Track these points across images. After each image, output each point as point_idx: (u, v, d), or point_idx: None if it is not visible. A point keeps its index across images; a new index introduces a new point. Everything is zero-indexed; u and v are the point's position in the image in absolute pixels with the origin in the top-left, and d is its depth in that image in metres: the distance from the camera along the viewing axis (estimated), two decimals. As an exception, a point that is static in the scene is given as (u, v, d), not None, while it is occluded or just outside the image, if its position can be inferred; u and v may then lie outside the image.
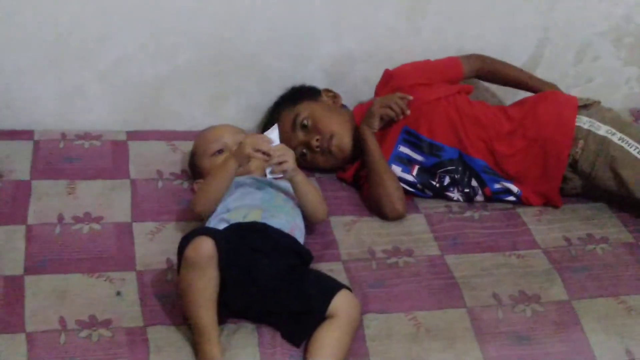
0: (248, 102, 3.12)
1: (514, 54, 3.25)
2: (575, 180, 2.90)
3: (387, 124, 2.90)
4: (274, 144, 2.54)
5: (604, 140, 2.82)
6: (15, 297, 2.39)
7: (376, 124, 2.89)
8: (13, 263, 2.49)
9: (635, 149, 2.80)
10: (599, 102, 2.95)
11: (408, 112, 2.86)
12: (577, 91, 3.31)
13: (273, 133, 2.60)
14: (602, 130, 2.83)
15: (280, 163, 2.53)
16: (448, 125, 2.87)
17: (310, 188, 2.64)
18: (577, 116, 2.87)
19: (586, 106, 2.90)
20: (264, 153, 2.50)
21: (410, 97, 2.88)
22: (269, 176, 2.60)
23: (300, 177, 2.60)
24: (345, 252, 2.68)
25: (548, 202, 2.93)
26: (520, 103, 3.00)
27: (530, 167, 2.89)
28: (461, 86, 3.02)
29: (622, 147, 2.81)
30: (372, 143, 2.88)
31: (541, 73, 3.29)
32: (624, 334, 2.48)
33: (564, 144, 2.85)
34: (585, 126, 2.85)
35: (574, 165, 2.87)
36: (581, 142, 2.84)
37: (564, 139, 2.85)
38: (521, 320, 2.50)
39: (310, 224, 2.68)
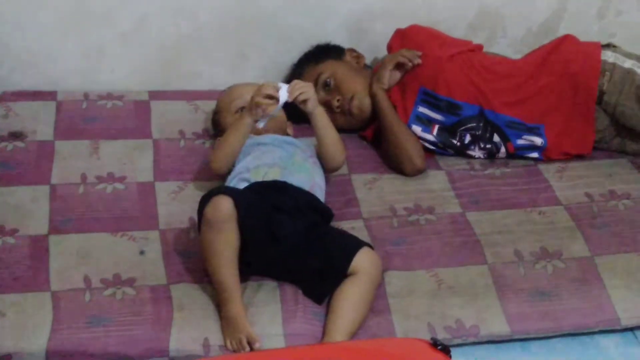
0: (269, 61, 3.11)
1: (537, 9, 3.24)
2: (600, 120, 2.89)
3: (404, 84, 2.90)
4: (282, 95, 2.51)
5: (629, 71, 2.82)
6: (40, 257, 2.42)
7: (385, 78, 2.88)
8: (37, 223, 2.52)
9: None
10: (619, 46, 2.95)
11: (417, 60, 2.86)
12: (602, 46, 3.30)
13: (282, 89, 2.55)
14: (628, 63, 2.84)
15: (301, 95, 2.50)
16: (466, 82, 2.86)
17: (330, 124, 2.63)
18: (602, 51, 2.87)
19: (608, 45, 2.92)
20: (271, 97, 2.48)
21: (419, 53, 2.87)
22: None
23: (321, 109, 2.60)
24: (367, 209, 2.69)
25: (572, 154, 2.92)
26: (538, 49, 3.00)
27: (559, 102, 2.88)
28: (473, 45, 3.00)
29: None
30: (383, 100, 2.87)
31: (564, 28, 3.26)
32: (646, 290, 2.49)
33: (592, 75, 2.84)
34: (611, 60, 2.85)
35: (600, 98, 2.86)
36: (607, 74, 2.84)
37: (591, 70, 2.85)
38: (542, 276, 2.51)
39: (328, 172, 2.69)
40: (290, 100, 2.49)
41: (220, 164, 2.59)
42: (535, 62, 2.90)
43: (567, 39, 2.95)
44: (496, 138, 2.89)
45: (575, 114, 2.88)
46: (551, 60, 2.88)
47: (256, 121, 2.52)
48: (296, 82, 2.53)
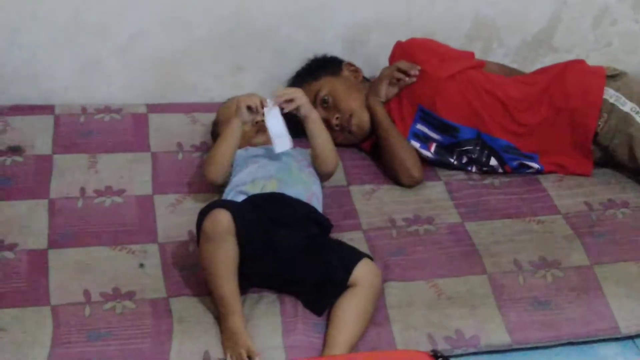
0: (265, 73, 3.11)
1: (532, 19, 3.24)
2: (594, 151, 2.88)
3: (402, 100, 2.89)
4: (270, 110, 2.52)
5: (626, 117, 2.80)
6: (40, 271, 2.41)
7: (383, 91, 2.88)
8: (36, 237, 2.51)
9: None
10: (626, 74, 2.90)
11: (415, 72, 2.84)
12: (596, 55, 3.30)
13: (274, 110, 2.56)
14: (627, 106, 2.80)
15: (291, 101, 2.52)
16: (465, 104, 2.85)
17: (324, 129, 2.63)
18: (605, 88, 2.83)
19: (614, 76, 2.86)
20: (251, 107, 2.51)
21: (418, 67, 2.86)
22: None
23: (315, 114, 2.60)
24: (366, 221, 2.69)
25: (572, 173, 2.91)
26: (543, 71, 2.96)
27: (557, 137, 2.86)
28: (474, 61, 2.98)
29: None
30: (380, 113, 2.87)
31: (560, 38, 3.28)
32: (645, 298, 2.49)
33: (591, 114, 2.82)
34: (611, 100, 2.81)
35: (595, 137, 2.84)
36: (605, 116, 2.81)
37: (591, 109, 2.82)
38: (542, 285, 2.50)
39: (323, 179, 2.68)
40: (277, 105, 2.50)
41: (214, 172, 2.58)
42: (537, 90, 2.86)
43: (573, 66, 2.91)
44: (493, 162, 2.88)
45: (572, 148, 2.87)
46: (553, 90, 2.84)
47: (244, 123, 2.54)
48: (284, 90, 2.56)
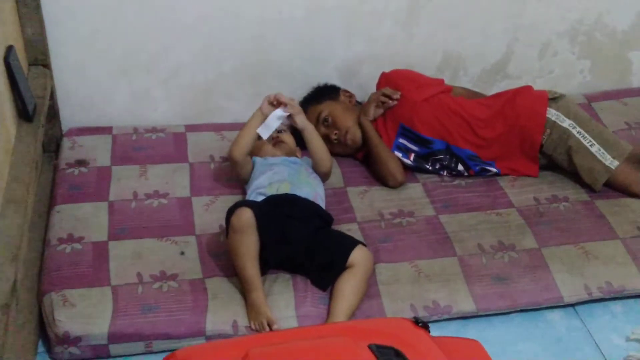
0: (279, 99, 3.12)
1: (490, 52, 3.23)
2: (540, 158, 2.87)
3: (386, 119, 2.88)
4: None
5: (565, 132, 2.78)
6: (102, 258, 2.42)
7: (371, 112, 2.87)
8: (99, 232, 2.52)
9: (588, 142, 2.76)
10: (564, 95, 2.88)
11: (397, 96, 2.84)
12: (542, 81, 3.30)
13: (280, 112, 2.59)
14: (566, 123, 2.79)
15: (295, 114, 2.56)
16: (437, 122, 2.83)
17: (318, 137, 2.64)
18: (548, 109, 2.81)
19: (555, 99, 2.84)
20: (276, 103, 2.56)
21: (399, 92, 2.85)
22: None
23: (310, 127, 2.62)
24: (360, 215, 2.68)
25: (523, 175, 2.89)
26: (499, 95, 2.93)
27: (510, 148, 2.85)
28: (444, 87, 2.97)
29: (579, 139, 2.76)
30: (370, 130, 2.86)
31: (512, 67, 3.27)
32: (582, 274, 2.48)
33: (536, 131, 2.80)
34: (553, 118, 2.80)
35: (540, 148, 2.83)
36: (548, 131, 2.80)
37: (537, 127, 2.80)
38: (500, 265, 2.50)
39: (323, 179, 2.68)
40: (284, 109, 2.55)
41: (237, 152, 2.58)
42: (494, 111, 2.84)
43: (522, 91, 2.88)
44: (460, 167, 2.87)
45: (522, 156, 2.86)
46: (506, 112, 2.82)
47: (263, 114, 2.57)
48: (293, 102, 2.59)
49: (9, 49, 2.32)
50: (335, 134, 2.87)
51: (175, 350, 1.75)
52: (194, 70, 2.99)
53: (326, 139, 2.80)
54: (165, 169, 2.82)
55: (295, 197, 2.47)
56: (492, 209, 2.73)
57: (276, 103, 2.57)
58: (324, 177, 2.70)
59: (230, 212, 2.33)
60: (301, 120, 2.60)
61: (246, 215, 2.27)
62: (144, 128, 3.01)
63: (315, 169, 2.66)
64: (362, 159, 2.94)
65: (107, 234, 2.51)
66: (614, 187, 2.79)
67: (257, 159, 2.67)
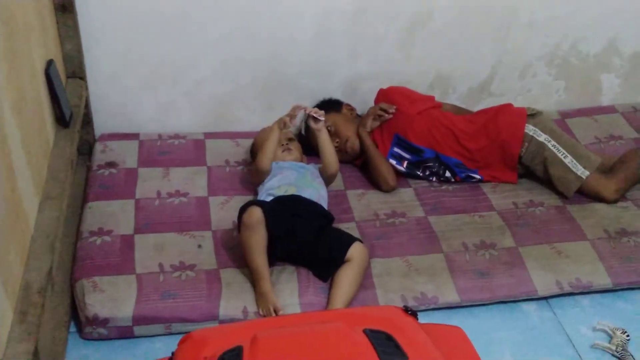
0: (287, 112, 3.10)
1: (476, 73, 3.22)
2: (519, 168, 2.86)
3: (383, 130, 2.88)
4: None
5: (541, 145, 2.78)
6: (128, 250, 2.42)
7: (369, 124, 2.87)
8: (126, 226, 2.52)
9: (562, 155, 2.76)
10: (541, 112, 2.88)
11: (392, 110, 2.84)
12: (522, 98, 3.29)
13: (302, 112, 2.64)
14: (542, 137, 2.78)
15: (316, 117, 2.57)
16: (428, 134, 2.83)
17: (330, 142, 2.63)
18: (526, 124, 2.81)
19: (533, 115, 2.84)
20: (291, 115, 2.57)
21: (394, 107, 2.86)
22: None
23: (325, 132, 2.62)
24: (358, 215, 2.68)
25: (503, 182, 2.89)
26: (482, 112, 2.92)
27: (492, 158, 2.84)
28: (434, 102, 2.97)
29: (554, 152, 2.76)
30: (367, 140, 2.86)
31: (496, 87, 3.26)
32: (555, 270, 2.48)
33: (515, 144, 2.80)
34: (530, 133, 2.79)
35: (519, 159, 2.83)
36: (526, 144, 2.80)
37: (516, 141, 2.79)
38: (482, 261, 2.50)
39: (328, 181, 2.68)
40: (308, 112, 2.58)
41: (263, 163, 2.57)
42: (478, 126, 2.84)
43: (504, 108, 2.87)
44: (447, 174, 2.86)
45: (503, 165, 2.85)
46: (489, 127, 2.82)
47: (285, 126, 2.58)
48: (322, 112, 2.60)
49: (50, 63, 2.33)
50: (337, 142, 2.88)
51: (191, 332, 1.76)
52: (214, 84, 3.00)
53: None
54: (186, 171, 2.82)
55: (301, 197, 2.48)
56: (475, 212, 2.72)
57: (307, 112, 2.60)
58: (331, 179, 2.70)
59: (242, 210, 2.33)
60: (320, 128, 2.60)
61: (256, 213, 2.28)
62: (167, 135, 3.02)
63: (324, 171, 2.66)
64: (360, 166, 2.94)
65: (133, 228, 2.51)
66: (585, 194, 2.79)
67: (272, 164, 2.67)
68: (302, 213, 2.42)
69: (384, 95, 2.95)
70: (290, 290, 2.32)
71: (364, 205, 2.74)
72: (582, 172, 2.74)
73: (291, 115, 2.57)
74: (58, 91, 2.34)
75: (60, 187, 2.14)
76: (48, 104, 2.31)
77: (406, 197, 2.80)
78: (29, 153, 1.99)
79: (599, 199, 2.77)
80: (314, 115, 2.57)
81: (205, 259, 2.41)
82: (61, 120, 2.40)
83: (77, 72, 2.73)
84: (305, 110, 2.59)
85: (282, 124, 2.56)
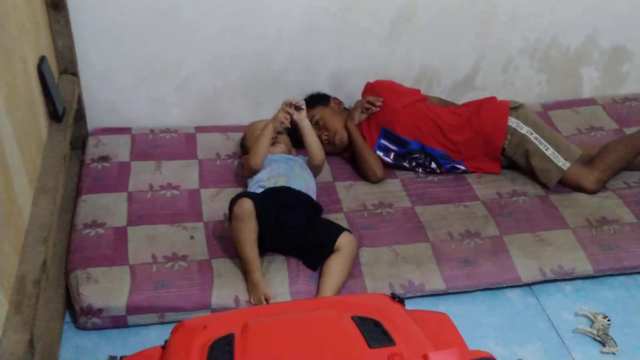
0: (275, 107, 3.02)
1: (460, 66, 3.22)
2: (502, 159, 2.86)
3: (370, 122, 2.87)
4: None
5: (523, 137, 2.78)
6: (122, 241, 2.41)
7: (357, 117, 2.86)
8: (119, 218, 2.51)
9: (544, 147, 2.76)
10: (524, 105, 2.87)
11: (379, 103, 2.84)
12: (505, 91, 3.28)
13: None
14: (524, 129, 2.78)
15: (298, 107, 2.57)
16: (414, 126, 2.83)
17: (312, 132, 2.62)
18: (509, 117, 2.81)
19: (516, 108, 2.83)
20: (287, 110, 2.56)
21: (381, 99, 2.85)
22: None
23: (308, 125, 2.60)
24: (346, 206, 2.68)
25: (487, 172, 2.89)
26: (466, 105, 2.92)
27: (476, 150, 2.84)
28: (420, 95, 2.97)
29: (536, 144, 2.76)
30: (355, 132, 2.85)
31: (479, 80, 3.26)
32: (538, 258, 2.48)
33: (499, 137, 2.79)
34: (513, 125, 2.79)
35: (502, 151, 2.83)
36: (509, 137, 2.79)
37: (499, 133, 2.79)
38: (467, 249, 2.50)
39: (315, 172, 2.67)
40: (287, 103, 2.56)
41: (256, 160, 2.54)
42: (462, 119, 2.83)
43: (487, 102, 2.87)
44: (433, 165, 2.86)
45: (486, 157, 2.85)
46: (473, 120, 2.82)
47: (282, 123, 2.57)
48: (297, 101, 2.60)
49: (42, 59, 2.31)
50: (326, 135, 2.87)
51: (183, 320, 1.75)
52: (204, 80, 2.98)
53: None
54: (177, 164, 2.81)
55: (290, 189, 2.47)
56: (460, 202, 2.72)
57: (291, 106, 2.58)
58: (317, 169, 2.69)
59: (233, 202, 2.32)
60: (302, 118, 2.59)
61: (247, 205, 2.27)
62: (159, 129, 3.00)
63: (310, 162, 2.65)
64: (349, 158, 2.93)
65: (126, 220, 2.50)
66: (566, 185, 2.79)
67: None
68: (291, 203, 2.41)
69: (371, 89, 2.95)
70: (280, 279, 2.32)
71: (352, 196, 2.73)
72: (563, 163, 2.75)
73: (286, 113, 2.55)
74: (51, 87, 2.32)
75: (54, 181, 2.13)
76: (41, 100, 2.29)
77: (393, 188, 2.79)
78: (23, 148, 1.97)
79: (579, 189, 2.77)
80: (294, 104, 2.56)
81: (197, 249, 2.41)
82: (54, 115, 2.38)
83: (69, 69, 2.71)
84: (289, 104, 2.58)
85: (278, 123, 2.55)
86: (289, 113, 2.56)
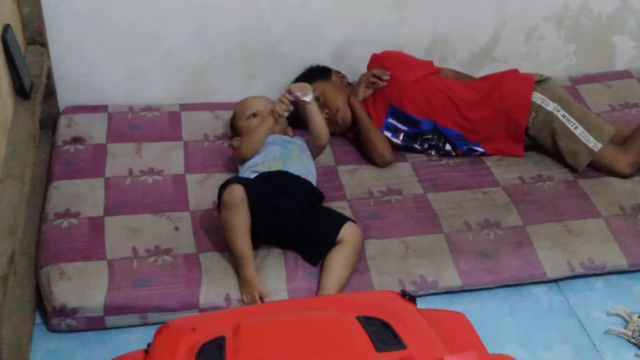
0: (271, 81, 3.07)
1: (478, 36, 3.22)
2: (525, 139, 2.86)
3: (376, 99, 2.87)
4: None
5: (550, 115, 2.77)
6: (98, 233, 2.41)
7: (361, 92, 2.86)
8: (95, 207, 2.51)
9: (572, 125, 2.75)
10: (550, 78, 2.86)
11: (386, 77, 2.83)
12: (528, 64, 3.28)
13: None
14: (550, 106, 2.77)
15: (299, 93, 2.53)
16: (425, 103, 2.82)
17: (319, 113, 2.61)
18: (533, 92, 2.80)
19: (540, 82, 2.82)
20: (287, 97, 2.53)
21: (389, 73, 2.84)
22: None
23: (314, 105, 2.58)
24: (350, 192, 2.68)
25: (508, 155, 2.89)
26: (485, 78, 2.92)
27: (497, 130, 2.83)
28: (433, 68, 2.96)
29: (563, 122, 2.76)
30: (359, 109, 2.85)
31: (499, 51, 3.26)
32: (566, 250, 2.48)
33: (522, 115, 2.79)
34: (538, 102, 2.78)
35: (526, 130, 2.82)
36: (533, 114, 2.79)
37: (522, 111, 2.78)
38: (486, 241, 2.50)
39: (316, 153, 2.68)
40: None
41: (248, 150, 2.54)
42: (481, 94, 2.82)
43: (509, 74, 2.86)
44: (448, 147, 2.86)
45: (508, 137, 2.84)
46: (493, 95, 2.81)
47: (280, 115, 2.55)
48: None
49: (6, 28, 2.31)
50: (327, 113, 2.86)
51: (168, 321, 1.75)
52: (189, 52, 2.98)
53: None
54: (160, 146, 2.81)
55: (287, 173, 2.47)
56: (478, 188, 2.72)
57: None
58: (320, 150, 2.69)
59: (222, 188, 2.32)
60: (310, 99, 2.58)
61: (237, 192, 2.27)
62: (139, 107, 2.99)
63: (313, 142, 2.65)
64: (353, 139, 2.93)
65: (103, 210, 2.50)
66: (597, 168, 2.79)
67: None
68: (288, 189, 2.42)
69: (377, 61, 2.94)
70: (276, 275, 2.32)
71: (356, 181, 2.73)
72: (594, 144, 2.75)
73: (285, 102, 2.53)
74: (16, 59, 2.31)
75: (22, 166, 2.12)
76: (5, 74, 2.29)
77: (403, 172, 2.79)
78: (-14, 127, 1.97)
79: (612, 173, 2.77)
80: (298, 97, 2.54)
81: (183, 242, 2.41)
82: (21, 91, 2.37)
83: (37, 39, 2.71)
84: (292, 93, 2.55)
85: (277, 115, 2.54)
86: (291, 102, 2.54)
